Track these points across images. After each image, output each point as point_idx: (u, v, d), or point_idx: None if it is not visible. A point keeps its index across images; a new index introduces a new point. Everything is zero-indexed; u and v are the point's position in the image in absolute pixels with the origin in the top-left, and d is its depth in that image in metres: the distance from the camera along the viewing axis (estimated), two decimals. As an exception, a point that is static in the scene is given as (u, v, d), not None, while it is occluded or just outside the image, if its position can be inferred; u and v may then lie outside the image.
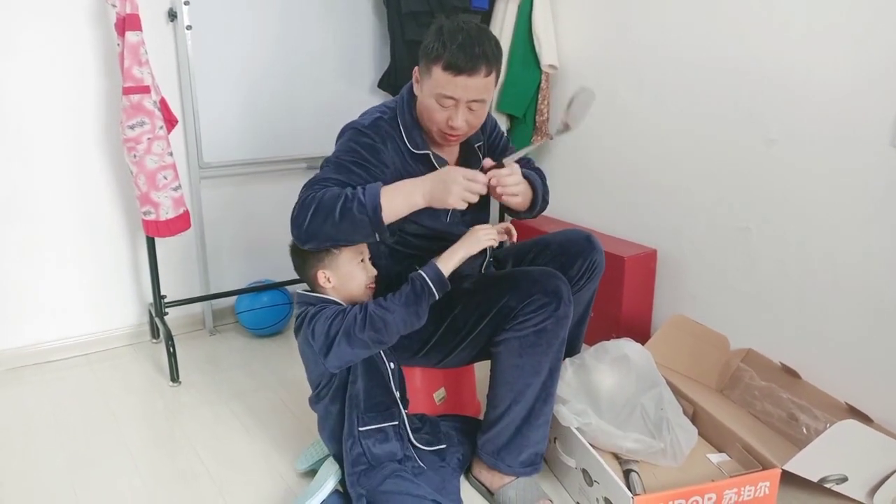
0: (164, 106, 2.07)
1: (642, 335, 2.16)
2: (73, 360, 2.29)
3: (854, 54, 1.68)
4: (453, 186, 1.35)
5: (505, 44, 2.49)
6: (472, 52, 1.38)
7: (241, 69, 2.35)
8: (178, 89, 2.28)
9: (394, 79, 2.52)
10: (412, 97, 1.55)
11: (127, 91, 1.94)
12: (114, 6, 1.91)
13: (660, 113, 2.21)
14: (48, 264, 2.23)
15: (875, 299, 1.71)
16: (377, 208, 1.35)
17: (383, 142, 1.50)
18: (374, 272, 1.52)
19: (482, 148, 1.68)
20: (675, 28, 2.11)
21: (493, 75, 1.44)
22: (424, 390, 1.74)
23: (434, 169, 1.53)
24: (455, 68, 1.39)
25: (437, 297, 1.41)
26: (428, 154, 1.54)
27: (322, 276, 1.46)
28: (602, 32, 2.38)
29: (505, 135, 1.82)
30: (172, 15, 2.19)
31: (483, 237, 1.47)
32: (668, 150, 2.20)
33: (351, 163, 1.46)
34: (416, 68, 1.49)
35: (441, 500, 1.41)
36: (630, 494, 1.37)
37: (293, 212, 1.41)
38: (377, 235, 1.38)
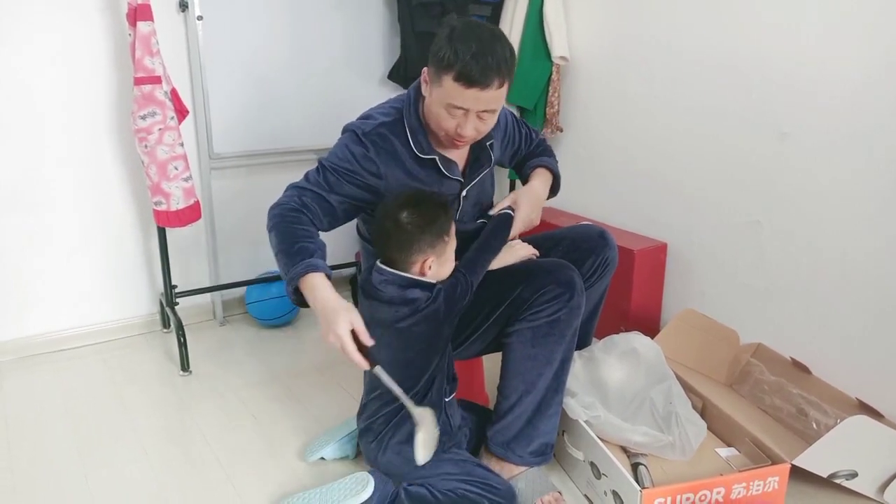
0: (175, 96, 2.08)
1: (651, 329, 2.15)
2: (84, 348, 2.31)
3: (866, 49, 1.66)
4: (329, 334, 1.34)
5: (516, 34, 2.48)
6: (486, 62, 1.33)
7: (251, 60, 2.35)
8: (189, 80, 2.28)
9: (403, 70, 2.52)
10: (419, 97, 1.52)
11: (138, 81, 1.94)
12: (125, -4, 1.92)
13: (671, 106, 2.19)
14: (60, 254, 2.24)
15: (886, 294, 1.70)
16: (294, 285, 1.39)
17: (379, 153, 1.49)
18: None
19: (493, 146, 1.66)
20: (686, 21, 2.10)
21: (505, 86, 1.39)
22: (433, 382, 1.74)
23: (440, 174, 1.54)
24: (467, 80, 1.34)
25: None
26: (434, 158, 1.52)
27: (427, 265, 1.40)
28: (613, 24, 2.36)
29: (523, 130, 1.81)
30: (183, 5, 2.19)
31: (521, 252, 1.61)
32: (678, 144, 2.19)
33: (341, 174, 1.49)
34: (426, 69, 1.45)
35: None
36: (638, 488, 1.37)
37: (273, 204, 1.49)
38: (288, 296, 1.44)
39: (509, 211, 1.59)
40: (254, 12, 2.32)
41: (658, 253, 2.25)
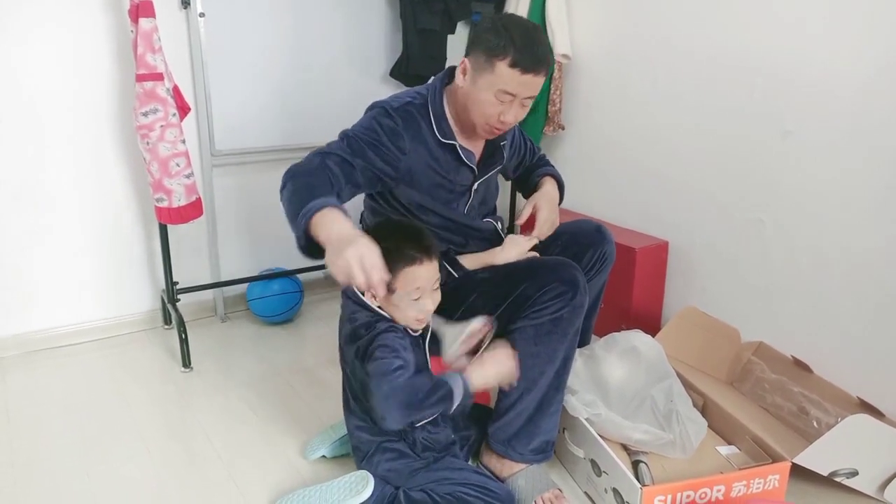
0: (176, 93, 2.08)
1: (653, 327, 2.15)
2: (86, 345, 2.31)
3: (869, 47, 1.66)
4: (339, 259, 1.18)
5: (518, 33, 2.48)
6: (538, 51, 1.42)
7: (253, 57, 2.35)
8: (191, 77, 2.28)
9: (405, 67, 2.52)
10: (444, 87, 1.56)
11: (140, 78, 1.94)
12: (127, -7, 1.91)
13: (673, 104, 2.19)
14: (62, 250, 2.24)
15: (888, 293, 1.70)
16: (308, 218, 1.28)
17: (406, 129, 1.51)
18: (430, 308, 1.39)
19: (506, 147, 1.71)
20: (689, 19, 2.09)
21: (546, 74, 1.49)
22: (434, 379, 1.75)
23: (458, 161, 1.58)
24: (523, 66, 1.41)
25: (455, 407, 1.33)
26: (454, 144, 1.56)
27: (368, 296, 1.38)
28: (616, 23, 2.36)
29: (528, 143, 1.88)
30: (185, 2, 2.19)
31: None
32: (680, 142, 2.18)
33: (366, 143, 1.48)
34: (466, 60, 1.48)
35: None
36: (639, 485, 1.37)
37: (292, 165, 1.46)
38: (295, 235, 1.31)
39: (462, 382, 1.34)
40: (256, 9, 2.31)
41: (659, 251, 2.25)
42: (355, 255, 1.17)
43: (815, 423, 1.65)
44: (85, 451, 1.71)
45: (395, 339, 1.36)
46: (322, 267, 2.65)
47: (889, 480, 1.51)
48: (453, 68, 1.56)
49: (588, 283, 1.66)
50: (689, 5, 2.08)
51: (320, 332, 2.45)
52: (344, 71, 2.53)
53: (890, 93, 1.63)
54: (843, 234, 1.78)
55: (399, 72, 2.56)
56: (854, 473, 1.51)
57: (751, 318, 2.02)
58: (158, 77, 1.96)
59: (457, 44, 2.71)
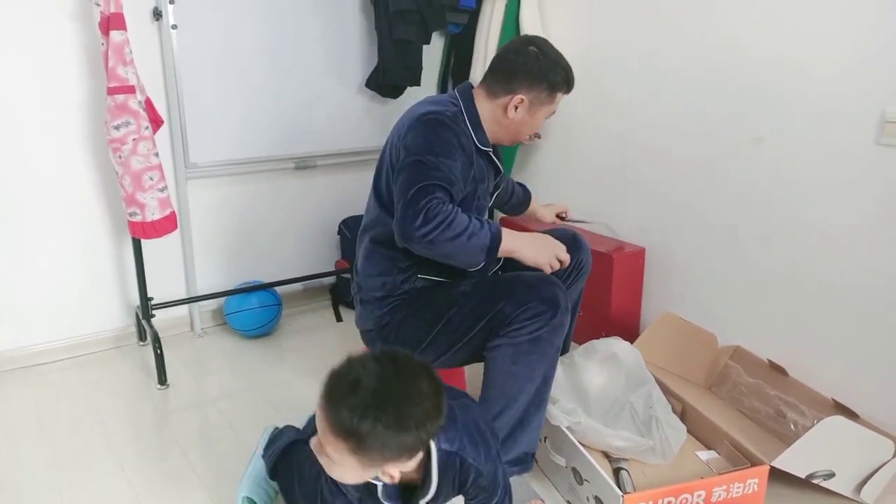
0: (149, 106, 2.05)
1: (631, 333, 2.16)
2: (59, 362, 2.26)
3: (839, 53, 1.69)
4: (546, 250, 1.49)
5: (492, 42, 2.49)
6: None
7: (227, 68, 2.33)
8: (164, 89, 2.26)
9: (381, 78, 2.52)
10: (471, 97, 1.59)
11: (112, 91, 1.92)
12: (98, 5, 1.89)
13: (648, 110, 2.21)
14: (33, 266, 2.20)
15: (861, 296, 1.73)
16: (497, 237, 1.43)
17: (460, 135, 1.52)
18: (327, 469, 1.10)
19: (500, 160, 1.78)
20: (663, 25, 2.12)
21: None
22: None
23: (494, 165, 1.68)
24: (570, 88, 1.63)
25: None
26: (489, 151, 1.62)
27: None
28: (590, 30, 2.38)
29: None
30: (157, 14, 2.17)
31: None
32: (656, 148, 2.21)
33: (455, 169, 1.47)
34: (522, 97, 1.55)
35: None
36: (620, 493, 1.37)
37: (410, 216, 1.37)
38: (483, 262, 1.45)
39: None
40: (229, 21, 2.30)
41: (637, 258, 2.26)
42: (549, 249, 1.50)
43: (791, 426, 1.67)
44: (59, 470, 1.67)
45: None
46: (300, 279, 2.63)
47: (865, 481, 1.53)
48: (468, 82, 1.66)
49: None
50: (663, 14, 2.11)
51: (298, 345, 2.43)
52: (319, 82, 2.53)
53: (861, 98, 1.67)
54: (816, 239, 1.81)
55: (375, 82, 2.56)
56: (831, 475, 1.53)
57: (727, 323, 2.04)
58: (130, 90, 1.94)
59: (432, 54, 2.72)
